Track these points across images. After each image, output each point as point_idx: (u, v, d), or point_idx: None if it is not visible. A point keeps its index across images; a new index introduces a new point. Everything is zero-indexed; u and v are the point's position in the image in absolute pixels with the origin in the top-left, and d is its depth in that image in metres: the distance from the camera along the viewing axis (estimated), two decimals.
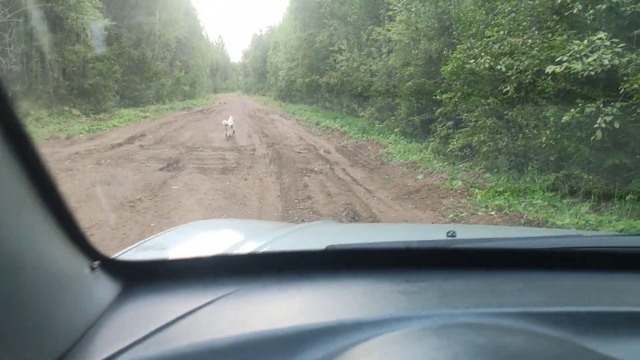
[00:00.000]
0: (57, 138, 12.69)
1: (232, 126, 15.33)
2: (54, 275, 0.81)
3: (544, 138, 7.05)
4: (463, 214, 6.18)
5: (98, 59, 20.88)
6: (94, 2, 18.30)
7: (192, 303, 0.97)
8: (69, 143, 12.16)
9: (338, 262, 1.19)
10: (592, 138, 5.79)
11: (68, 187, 7.08)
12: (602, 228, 5.19)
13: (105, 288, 1.00)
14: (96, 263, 0.97)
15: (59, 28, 18.08)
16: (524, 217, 5.66)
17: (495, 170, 8.58)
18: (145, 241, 1.63)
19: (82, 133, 14.00)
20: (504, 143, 8.75)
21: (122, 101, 24.74)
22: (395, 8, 13.58)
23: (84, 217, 5.51)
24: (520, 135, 8.44)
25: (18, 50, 15.79)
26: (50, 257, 0.81)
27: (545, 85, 7.56)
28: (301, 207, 6.56)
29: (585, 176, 6.57)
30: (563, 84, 7.18)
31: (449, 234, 1.46)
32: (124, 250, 1.43)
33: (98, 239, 4.82)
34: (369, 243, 1.41)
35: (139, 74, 28.53)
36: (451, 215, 6.18)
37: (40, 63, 17.69)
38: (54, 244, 0.82)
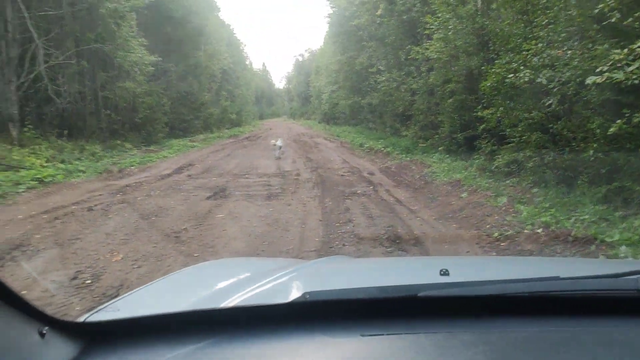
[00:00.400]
0: (110, 171, 13.22)
1: (280, 147, 16.97)
2: None
3: (592, 151, 6.83)
4: (508, 232, 6.02)
5: (147, 93, 21.76)
6: (140, 40, 19.15)
7: (156, 358, 0.99)
8: (121, 176, 12.64)
9: (310, 311, 1.20)
10: None
11: (118, 220, 7.36)
12: None
13: (59, 351, 1.00)
14: (45, 328, 0.97)
15: (109, 66, 18.98)
16: (572, 233, 5.47)
17: (543, 185, 8.33)
18: (127, 295, 1.67)
19: (133, 165, 14.54)
20: (551, 157, 8.52)
21: (172, 132, 25.60)
22: (432, 27, 13.55)
23: (132, 250, 5.70)
24: (567, 148, 8.19)
25: (72, 90, 16.66)
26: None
27: (590, 96, 7.35)
28: (342, 231, 6.57)
29: (638, 188, 6.30)
30: (608, 94, 6.98)
31: (442, 272, 1.46)
32: (96, 310, 1.44)
33: (144, 272, 4.98)
34: (342, 290, 1.41)
35: (187, 105, 29.50)
36: (496, 234, 6.03)
37: (93, 100, 18.60)
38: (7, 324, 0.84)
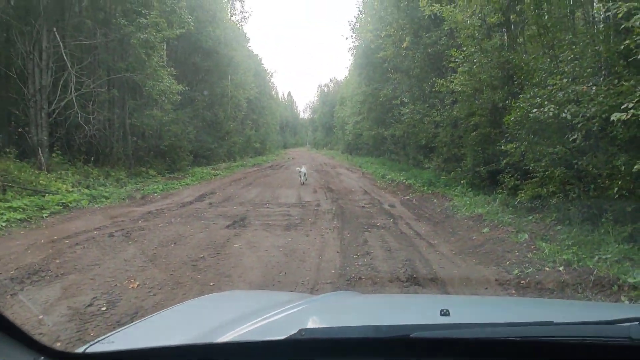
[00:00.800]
0: (133, 198, 13.40)
1: (305, 174, 18.83)
2: None
3: (616, 189, 6.67)
4: (529, 270, 5.87)
5: (173, 121, 22.16)
6: (169, 69, 19.61)
7: None
8: (144, 202, 12.80)
9: (305, 348, 1.19)
10: None
11: (138, 246, 7.41)
12: None
13: None
14: (41, 358, 0.98)
15: (138, 95, 19.44)
16: (594, 273, 5.30)
17: (567, 222, 8.14)
18: (123, 329, 1.68)
19: (156, 192, 14.72)
20: (575, 194, 8.33)
21: (196, 160, 25.94)
22: (457, 60, 13.58)
23: (149, 278, 5.72)
24: (592, 185, 8.01)
25: (100, 117, 17.07)
26: None
27: (615, 132, 7.22)
28: (359, 264, 6.49)
29: None
30: (634, 130, 6.84)
31: (442, 312, 1.45)
32: (96, 341, 1.46)
33: (159, 299, 4.97)
34: (337, 328, 1.42)
35: (212, 133, 29.94)
36: (516, 271, 5.89)
37: (120, 127, 19.01)
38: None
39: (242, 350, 1.21)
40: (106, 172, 16.18)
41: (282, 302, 2.01)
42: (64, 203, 11.00)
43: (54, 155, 14.81)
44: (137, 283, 5.51)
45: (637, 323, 1.22)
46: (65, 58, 14.90)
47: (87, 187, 13.62)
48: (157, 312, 2.08)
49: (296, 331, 1.22)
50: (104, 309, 4.68)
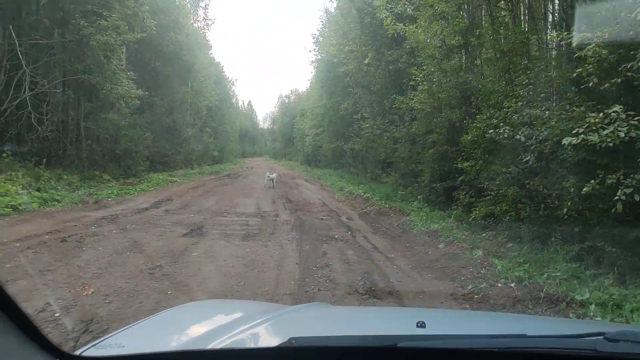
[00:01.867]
0: (85, 202, 13.04)
1: (273, 179, 21.29)
2: None
3: (565, 209, 6.97)
4: (482, 285, 6.06)
5: (130, 126, 21.70)
6: (129, 73, 19.24)
7: None
8: (97, 207, 12.48)
9: (295, 355, 1.24)
10: (612, 210, 5.71)
11: (92, 253, 7.23)
12: (627, 302, 5.02)
13: None
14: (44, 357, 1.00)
15: (95, 97, 18.95)
16: (544, 290, 5.52)
17: (518, 239, 8.43)
18: (121, 330, 1.70)
19: (110, 197, 14.37)
20: (527, 213, 8.65)
21: (152, 166, 25.43)
22: (417, 78, 13.91)
23: (104, 285, 5.60)
24: (543, 205, 8.34)
25: (54, 119, 16.57)
26: (5, 356, 0.86)
27: (566, 155, 7.56)
28: (318, 275, 6.54)
29: (609, 249, 6.42)
30: (583, 154, 7.17)
31: (419, 324, 1.52)
32: (94, 343, 1.49)
33: (115, 307, 4.88)
34: (326, 337, 1.47)
35: (170, 139, 29.46)
36: (470, 287, 6.06)
37: (74, 130, 18.47)
38: (7, 343, 0.87)
39: (236, 356, 1.24)
40: (58, 175, 15.65)
41: (260, 312, 2.04)
42: (14, 205, 10.62)
43: (4, 155, 14.25)
44: (92, 290, 5.38)
45: (601, 337, 1.35)
46: (20, 56, 14.44)
47: (38, 190, 13.15)
48: (138, 320, 2.08)
49: (286, 339, 1.26)
50: (57, 315, 4.55)
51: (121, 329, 1.77)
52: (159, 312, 2.18)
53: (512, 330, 1.61)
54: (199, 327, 1.94)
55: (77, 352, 1.30)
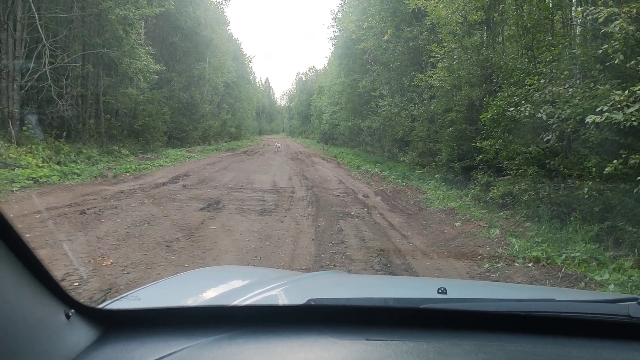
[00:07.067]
0: (105, 176, 13.19)
1: (279, 146, 26.81)
2: (27, 322, 0.86)
3: (586, 189, 6.85)
4: (499, 264, 6.01)
5: (149, 101, 21.79)
6: (147, 48, 19.23)
7: (170, 348, 1.02)
8: (116, 181, 12.61)
9: (316, 316, 1.24)
10: (634, 191, 5.60)
11: (111, 225, 7.32)
12: None
13: (81, 334, 1.05)
14: (72, 311, 1.02)
15: (114, 72, 19.04)
16: (562, 270, 5.46)
17: (537, 219, 8.34)
18: (141, 288, 1.71)
19: (129, 172, 14.52)
20: (546, 192, 8.53)
21: (170, 141, 25.60)
22: (437, 55, 13.68)
23: (122, 256, 5.67)
24: (563, 184, 8.22)
25: (74, 93, 16.68)
26: (23, 306, 0.87)
27: (588, 134, 7.41)
28: (334, 251, 6.55)
29: (630, 229, 6.31)
30: (607, 133, 7.03)
31: (440, 291, 1.49)
32: (116, 298, 1.50)
33: (133, 278, 4.94)
34: (346, 299, 1.48)
35: (187, 115, 29.55)
36: (487, 265, 6.02)
37: (94, 104, 18.62)
38: (26, 294, 0.88)
39: (260, 314, 1.24)
40: (78, 149, 15.83)
41: (277, 278, 2.04)
42: (34, 178, 10.77)
43: (24, 129, 14.43)
44: (111, 261, 5.46)
45: (635, 302, 1.27)
46: (40, 30, 14.47)
47: (58, 163, 13.33)
48: (161, 279, 2.12)
49: (305, 301, 1.25)
50: (77, 284, 4.63)
51: (138, 289, 1.78)
52: (180, 273, 2.21)
53: (539, 296, 1.56)
54: (218, 288, 1.95)
55: (102, 306, 1.31)
